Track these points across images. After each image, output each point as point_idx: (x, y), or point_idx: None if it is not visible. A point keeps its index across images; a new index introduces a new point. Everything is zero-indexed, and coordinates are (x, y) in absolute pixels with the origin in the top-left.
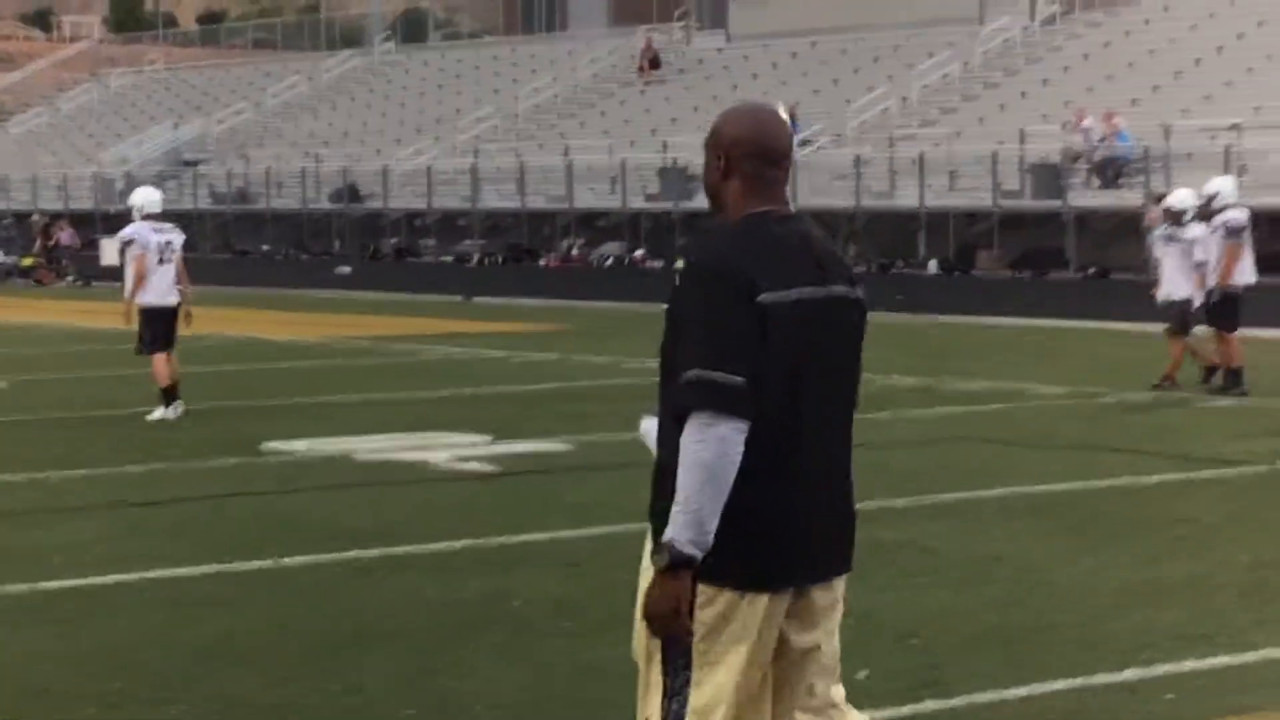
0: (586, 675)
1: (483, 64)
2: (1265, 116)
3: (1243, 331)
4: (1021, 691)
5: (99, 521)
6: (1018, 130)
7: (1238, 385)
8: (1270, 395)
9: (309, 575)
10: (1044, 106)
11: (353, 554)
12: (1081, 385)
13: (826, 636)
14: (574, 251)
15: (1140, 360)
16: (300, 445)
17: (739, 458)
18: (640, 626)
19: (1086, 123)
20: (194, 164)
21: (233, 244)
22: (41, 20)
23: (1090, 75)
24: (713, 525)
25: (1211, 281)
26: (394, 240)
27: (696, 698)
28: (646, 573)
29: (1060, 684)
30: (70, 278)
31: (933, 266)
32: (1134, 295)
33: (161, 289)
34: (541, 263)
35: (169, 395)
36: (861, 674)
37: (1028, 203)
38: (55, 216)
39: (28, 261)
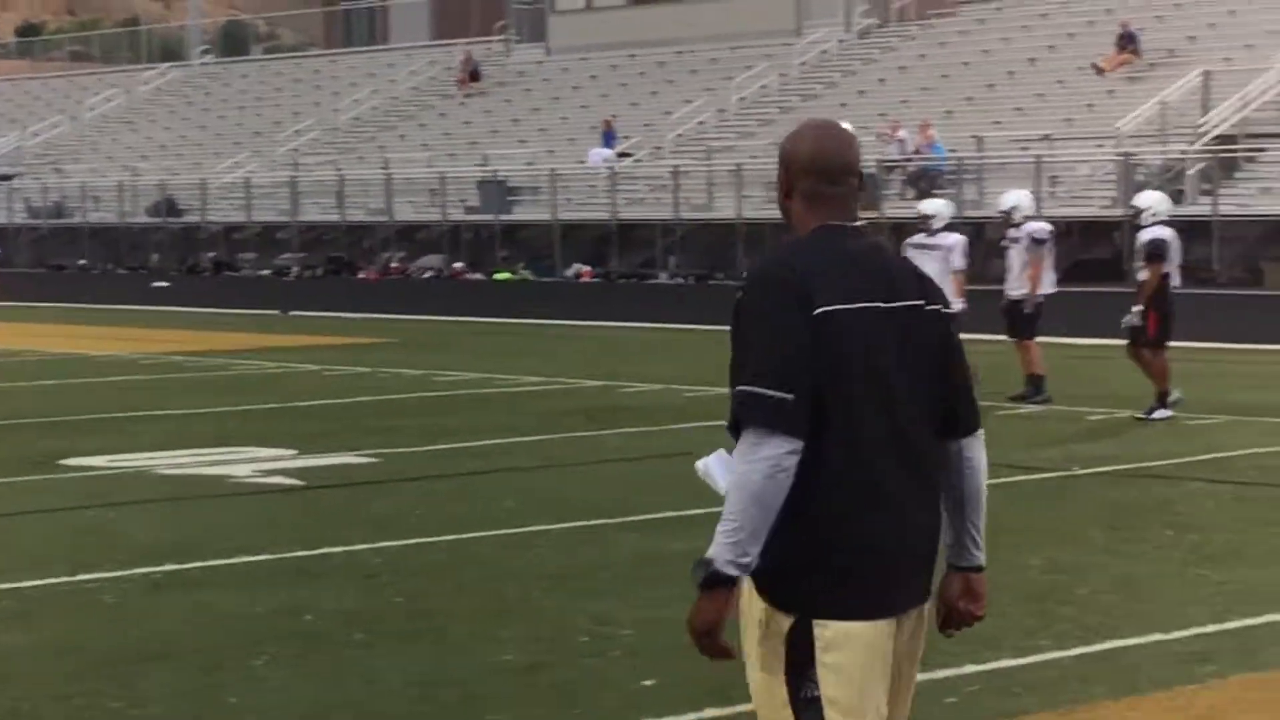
0: (376, 687)
1: (303, 77)
2: (1076, 128)
3: (1045, 339)
4: None
5: None
6: None
7: (1039, 393)
8: (1071, 402)
9: (103, 591)
10: (860, 118)
11: (148, 569)
12: None
13: (910, 664)
14: (393, 264)
15: None
16: (101, 461)
17: (789, 478)
18: (758, 688)
19: (901, 134)
20: (8, 178)
21: (48, 259)
22: None
23: (905, 87)
24: (755, 546)
25: (1020, 291)
26: (212, 254)
27: None
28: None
29: None
30: None
31: None
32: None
33: None
34: (361, 276)
35: None
36: (646, 682)
37: None
38: None
39: None
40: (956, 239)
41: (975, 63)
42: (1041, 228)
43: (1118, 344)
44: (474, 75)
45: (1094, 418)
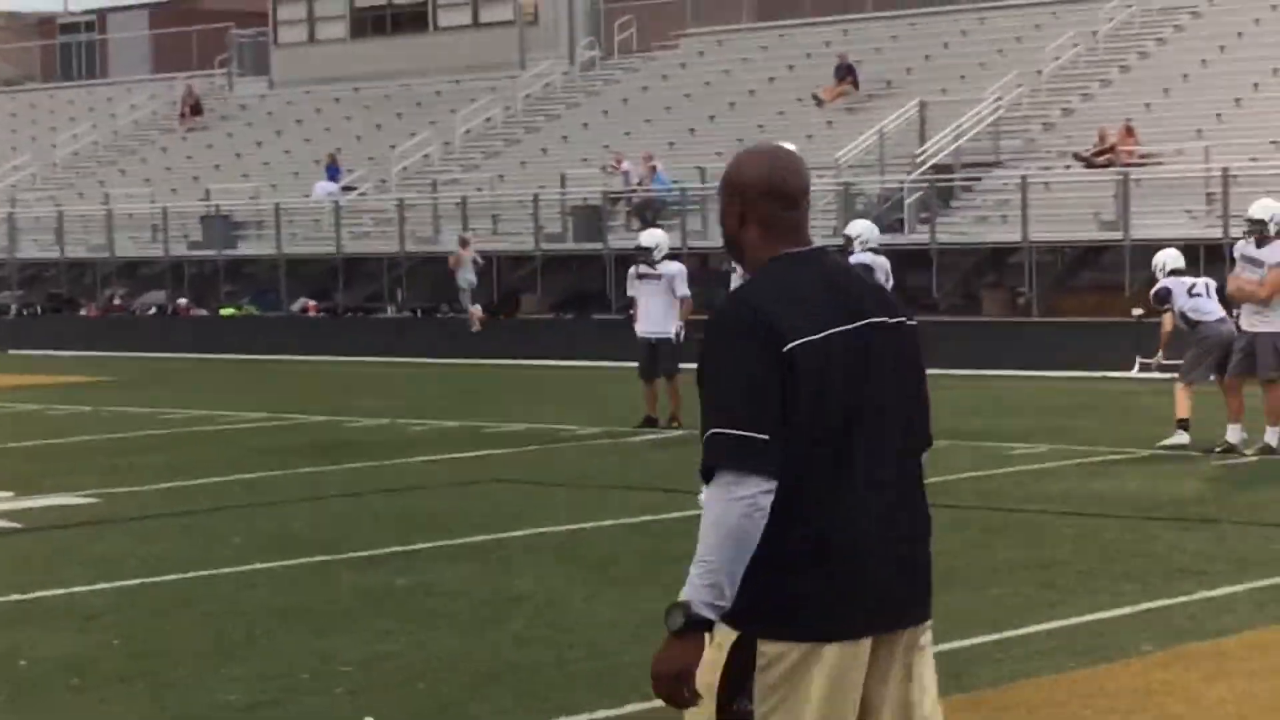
0: None
1: (19, 111)
2: None
3: None
4: None
5: None
6: (559, 174)
7: None
8: None
9: None
10: (584, 150)
11: None
12: (616, 425)
13: (920, 692)
14: (116, 301)
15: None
16: None
17: (764, 517)
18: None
19: (625, 166)
20: None
21: None
22: None
23: (628, 119)
24: (732, 588)
25: None
26: None
27: None
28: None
29: (565, 719)
30: None
31: (478, 310)
32: None
33: None
34: (82, 313)
35: None
36: (368, 719)
37: (570, 246)
38: None
39: None
40: (677, 268)
41: (697, 94)
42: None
43: None
44: (195, 109)
45: None
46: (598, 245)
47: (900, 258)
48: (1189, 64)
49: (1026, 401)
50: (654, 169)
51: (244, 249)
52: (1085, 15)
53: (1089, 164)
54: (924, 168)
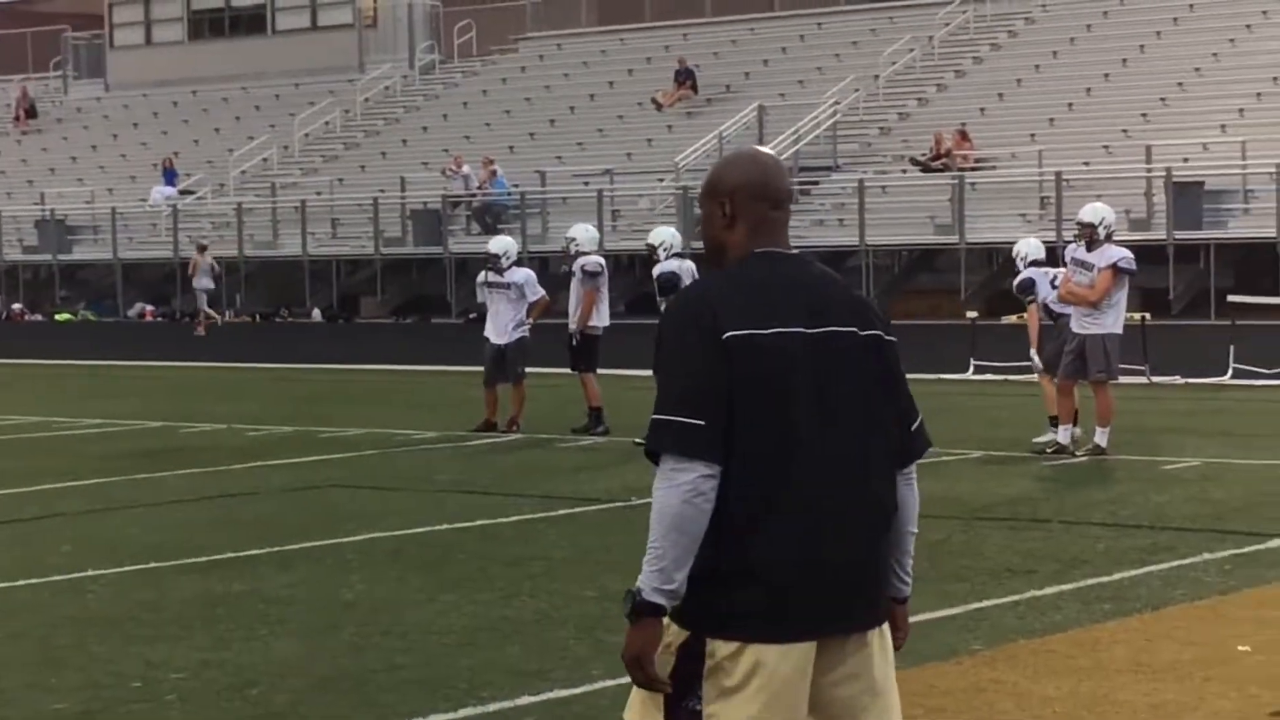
0: None
1: None
2: (636, 162)
3: (606, 371)
4: None
5: None
6: (399, 177)
7: (599, 424)
8: (630, 434)
9: None
10: (424, 154)
11: None
12: (455, 429)
13: (871, 696)
14: None
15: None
16: None
17: (708, 502)
18: (637, 692)
19: (465, 169)
20: None
21: None
22: None
23: (468, 122)
24: (681, 573)
25: (572, 325)
26: None
27: None
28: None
29: None
30: None
31: (317, 314)
32: None
33: None
34: None
35: None
36: None
37: (410, 250)
38: None
39: None
40: (525, 274)
41: (537, 98)
42: (593, 260)
43: None
44: (30, 112)
45: None
46: (437, 249)
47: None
48: (1023, 69)
49: None
50: (494, 173)
51: (80, 254)
52: (921, 21)
53: (925, 168)
54: None
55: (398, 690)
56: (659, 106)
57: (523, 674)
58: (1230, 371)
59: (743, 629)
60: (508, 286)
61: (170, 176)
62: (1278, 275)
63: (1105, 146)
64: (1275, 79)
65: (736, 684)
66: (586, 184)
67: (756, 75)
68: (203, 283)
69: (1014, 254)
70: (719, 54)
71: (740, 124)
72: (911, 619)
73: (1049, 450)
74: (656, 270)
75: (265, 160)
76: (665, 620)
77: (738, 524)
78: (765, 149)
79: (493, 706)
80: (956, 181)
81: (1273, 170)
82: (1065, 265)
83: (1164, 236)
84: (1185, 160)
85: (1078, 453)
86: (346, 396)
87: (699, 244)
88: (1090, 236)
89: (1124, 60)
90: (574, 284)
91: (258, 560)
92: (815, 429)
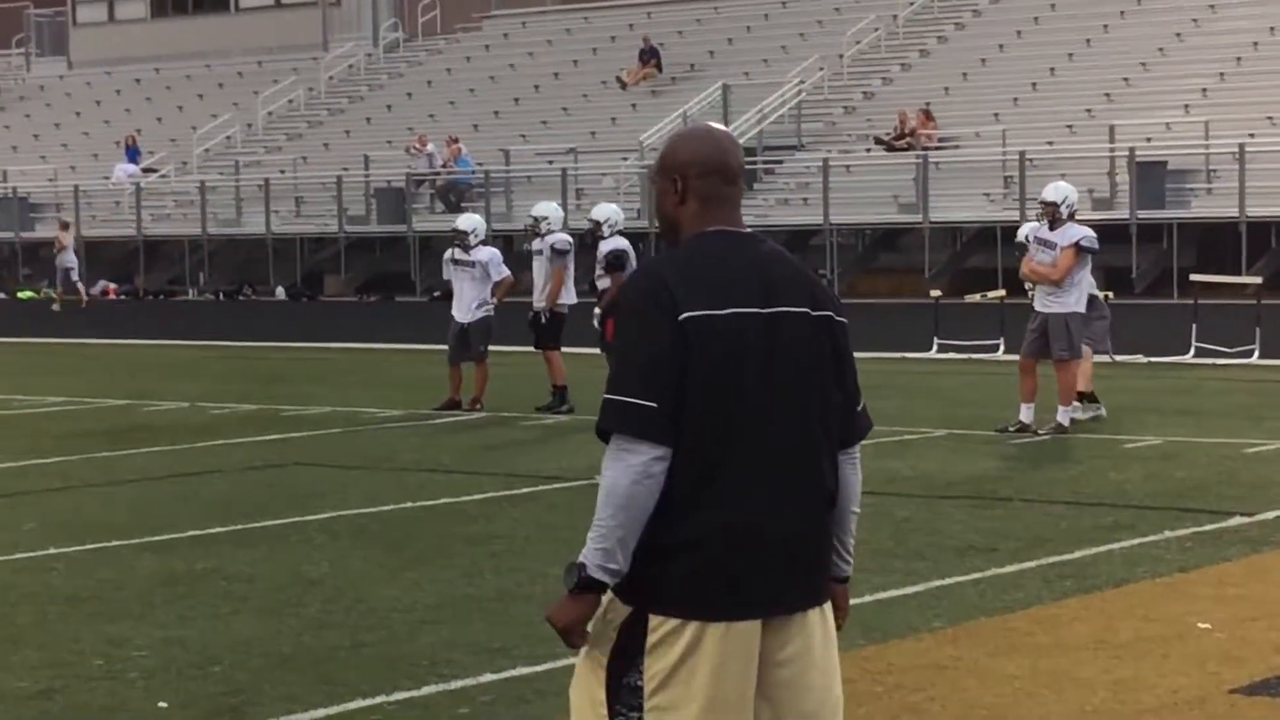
0: None
1: None
2: (600, 141)
3: (570, 349)
4: (326, 712)
5: None
6: (363, 156)
7: (564, 403)
8: (593, 411)
9: None
10: (388, 132)
11: None
12: (419, 407)
13: (817, 674)
14: None
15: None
16: None
17: (657, 484)
18: (581, 667)
19: (429, 148)
20: None
21: None
22: None
23: (432, 101)
24: (625, 552)
25: (540, 303)
26: None
27: None
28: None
29: (362, 703)
30: None
31: (281, 293)
32: None
33: None
34: None
35: None
36: (161, 704)
37: (373, 228)
38: None
39: None
40: (490, 253)
41: (501, 77)
42: (562, 239)
43: None
44: None
45: None
46: (401, 227)
47: None
48: (986, 49)
49: None
50: (458, 151)
51: (42, 231)
52: (885, 0)
53: (889, 147)
54: None
55: (361, 668)
56: (623, 85)
57: (486, 651)
58: (1193, 350)
59: (684, 606)
60: (473, 265)
61: (133, 154)
62: (1240, 255)
63: (1069, 126)
64: (1238, 59)
65: (677, 660)
66: (550, 163)
67: (721, 54)
68: (66, 260)
69: (1020, 238)
70: (683, 32)
71: (705, 103)
72: (874, 596)
73: (1011, 429)
74: (604, 247)
75: (229, 138)
76: (609, 596)
77: (683, 501)
78: (718, 125)
79: (455, 684)
80: (920, 161)
81: (1235, 150)
82: (1027, 244)
83: (1127, 216)
84: (1148, 140)
85: (1040, 431)
86: (310, 375)
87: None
88: (1053, 215)
89: (1088, 40)
90: (540, 262)
91: (220, 538)
92: (764, 409)
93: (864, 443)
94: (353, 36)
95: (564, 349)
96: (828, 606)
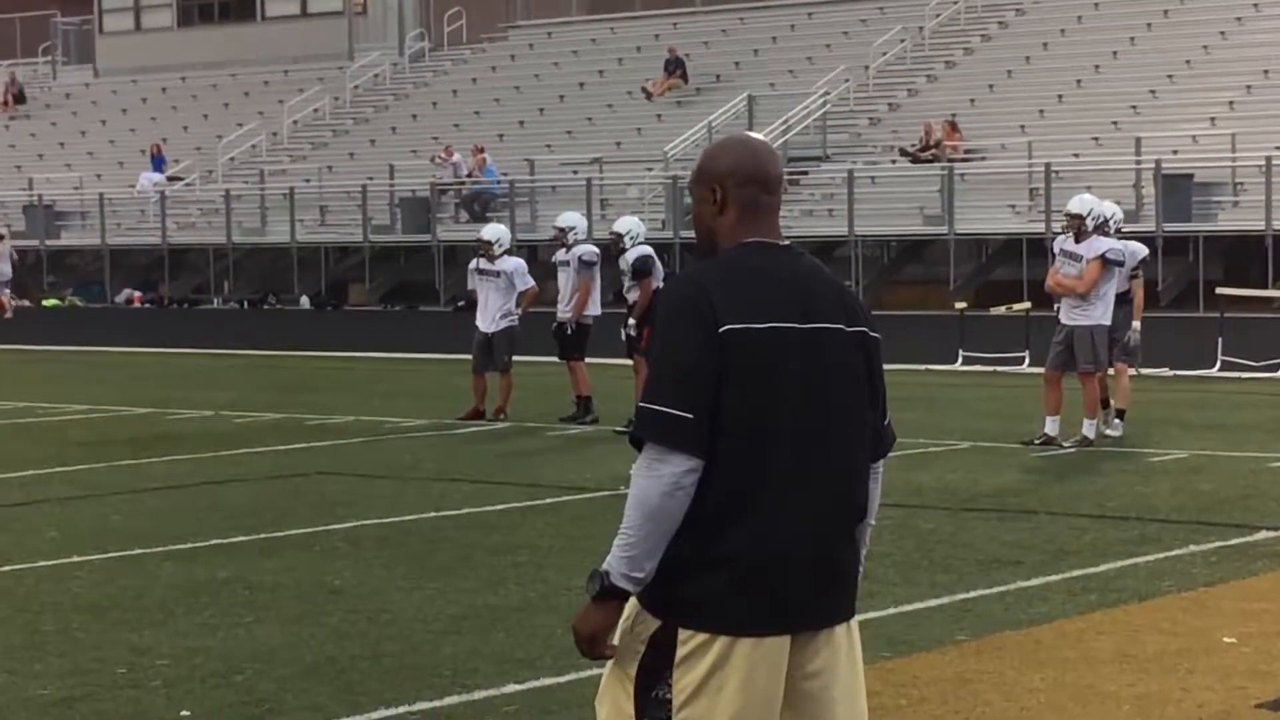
0: None
1: None
2: (625, 151)
3: (594, 360)
4: None
5: None
6: (388, 165)
7: (588, 413)
8: (616, 422)
9: None
10: (413, 141)
11: None
12: (443, 417)
13: (841, 689)
14: None
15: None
16: None
17: (688, 496)
18: (609, 680)
19: (455, 157)
20: None
21: None
22: None
23: (458, 110)
24: (650, 562)
25: (567, 313)
26: None
27: None
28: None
29: (385, 713)
30: None
31: (305, 302)
32: None
33: None
34: None
35: None
36: (184, 713)
37: (398, 237)
38: None
39: None
40: (515, 264)
41: (526, 86)
42: (590, 250)
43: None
44: (19, 97)
45: None
46: (426, 237)
47: None
48: (1013, 60)
49: None
50: (484, 161)
51: (67, 239)
52: (911, 11)
53: (914, 159)
54: None
55: (383, 678)
56: (649, 96)
57: (508, 662)
58: (1219, 363)
59: (713, 620)
60: (497, 275)
61: (158, 163)
62: (1266, 267)
63: (1095, 138)
64: (1265, 72)
65: (705, 673)
66: (575, 173)
67: (747, 65)
68: (2, 269)
69: (1083, 213)
70: (709, 43)
71: (730, 113)
72: (898, 609)
73: (1036, 441)
74: (631, 255)
75: (254, 147)
76: (637, 609)
77: (715, 514)
78: (755, 134)
79: (478, 694)
80: (946, 172)
81: (1262, 163)
82: (1054, 256)
83: (1153, 228)
84: (1175, 152)
85: (1065, 444)
86: (334, 384)
87: (688, 233)
88: (1078, 228)
89: (1114, 53)
90: (568, 273)
91: (243, 547)
92: (799, 424)
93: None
94: (379, 46)
95: (588, 359)
96: (854, 621)
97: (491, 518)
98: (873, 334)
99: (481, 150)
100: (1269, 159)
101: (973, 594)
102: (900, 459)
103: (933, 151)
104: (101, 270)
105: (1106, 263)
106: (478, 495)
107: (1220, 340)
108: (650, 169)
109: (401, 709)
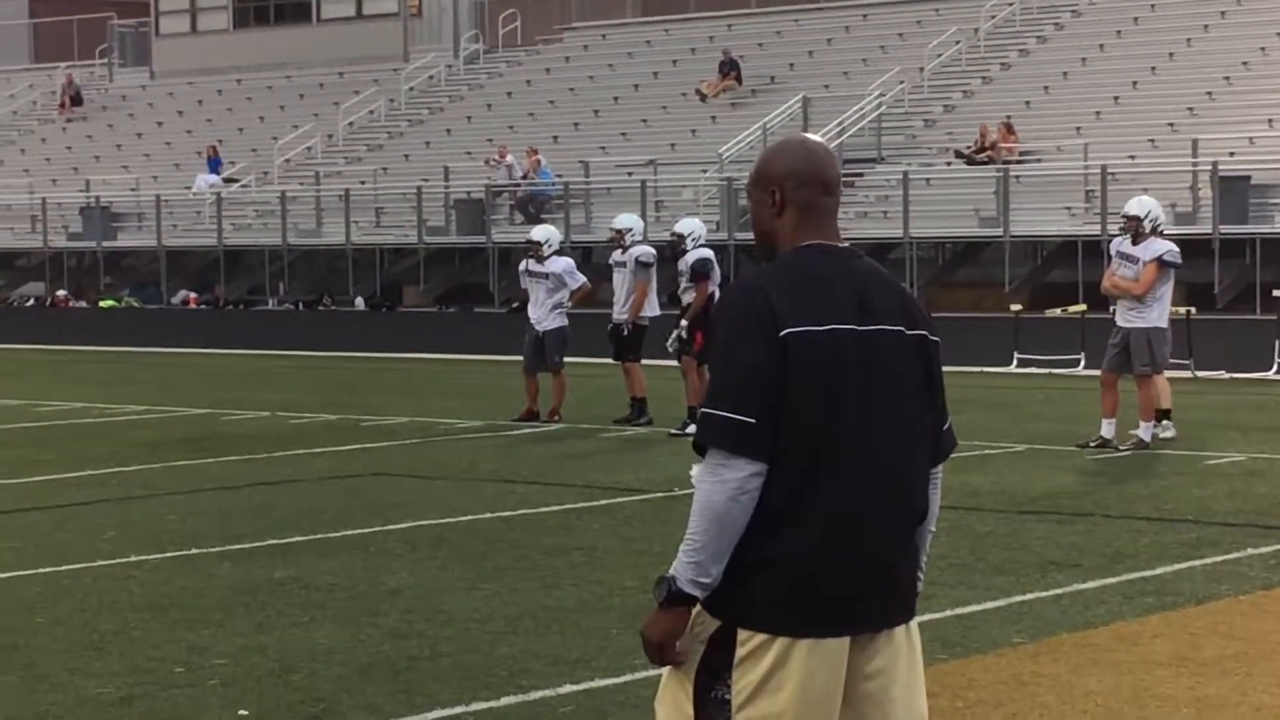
0: None
1: None
2: (680, 153)
3: (649, 362)
4: None
5: None
6: (442, 167)
7: (643, 415)
8: (671, 424)
9: None
10: (468, 143)
11: None
12: (497, 418)
13: (903, 690)
14: None
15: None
16: None
17: (752, 500)
18: (668, 680)
19: (509, 159)
20: None
21: None
22: None
23: (512, 112)
24: (717, 567)
25: (622, 315)
26: None
27: None
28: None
29: (441, 713)
30: None
31: (360, 303)
32: None
33: None
34: None
35: None
36: (241, 712)
37: (453, 239)
38: None
39: None
40: (563, 264)
41: (581, 89)
42: (647, 251)
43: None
44: (76, 99)
45: None
46: (480, 238)
47: None
48: (1069, 62)
49: None
50: (538, 162)
51: (124, 240)
52: (967, 13)
53: (970, 161)
54: None
55: (439, 678)
56: (703, 97)
57: (565, 662)
58: (1275, 366)
59: (774, 621)
60: (546, 276)
61: (214, 164)
62: None
63: (1151, 140)
64: None
65: (765, 674)
66: (630, 174)
67: (801, 66)
68: None
69: (1141, 215)
70: (764, 45)
71: (784, 115)
72: (954, 611)
73: (1092, 444)
74: (691, 256)
75: (309, 149)
76: (698, 609)
77: (776, 517)
78: (813, 136)
79: (534, 695)
80: (1001, 174)
81: None
82: (1110, 258)
83: (1209, 231)
84: (1231, 154)
85: (1121, 447)
86: (389, 385)
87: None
88: (1136, 230)
89: (1170, 54)
90: (622, 274)
91: (300, 547)
92: (859, 427)
93: None
94: (433, 48)
95: (644, 361)
96: (914, 623)
97: (547, 519)
98: (932, 337)
99: (535, 152)
100: None
101: (1029, 596)
102: (955, 461)
103: (988, 153)
104: (158, 271)
105: (1163, 265)
106: (533, 496)
107: (1277, 343)
108: (705, 171)
109: (458, 709)
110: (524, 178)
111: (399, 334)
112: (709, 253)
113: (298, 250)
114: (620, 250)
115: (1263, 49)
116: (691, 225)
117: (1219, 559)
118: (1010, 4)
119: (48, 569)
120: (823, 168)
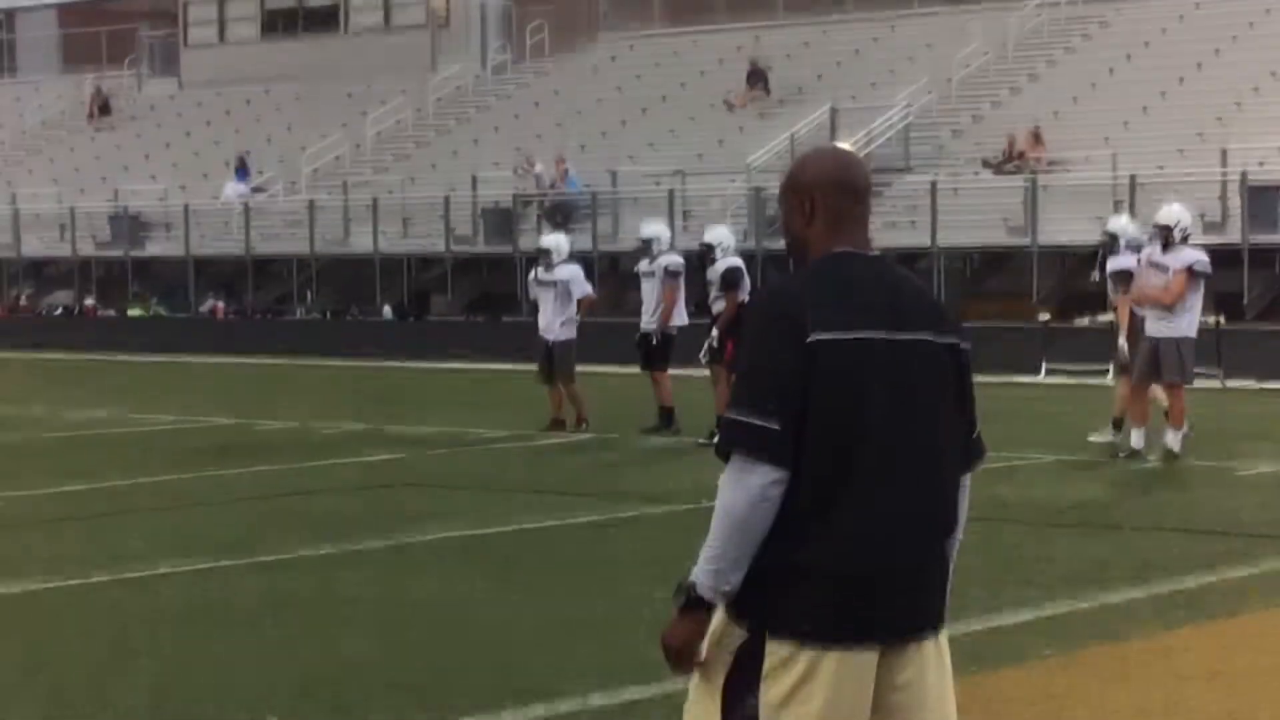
0: None
1: None
2: (707, 163)
3: (677, 371)
4: None
5: None
6: (470, 176)
7: (670, 424)
8: (700, 433)
9: None
10: (495, 153)
11: None
12: (524, 428)
13: (935, 699)
14: (22, 301)
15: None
16: None
17: (773, 507)
18: (697, 692)
19: (538, 168)
20: None
21: None
22: None
23: (540, 122)
24: (736, 574)
25: (651, 324)
26: None
27: None
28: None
29: None
30: None
31: (388, 312)
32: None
33: None
34: None
35: None
36: None
37: (480, 248)
38: None
39: None
40: (571, 271)
41: (609, 98)
42: (676, 260)
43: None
44: (104, 108)
45: None
46: (508, 248)
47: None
48: (1097, 72)
49: None
50: (566, 172)
51: (152, 249)
52: (995, 22)
53: (998, 170)
54: None
55: (468, 689)
56: (731, 107)
57: (593, 673)
58: None
59: (802, 631)
60: (554, 284)
61: (242, 173)
62: None
63: (1180, 149)
64: None
65: (794, 685)
66: (658, 184)
67: (829, 76)
68: None
69: (1170, 224)
70: (792, 55)
71: (812, 125)
72: (983, 624)
73: (1122, 455)
74: (721, 265)
75: (337, 158)
76: (725, 620)
77: (804, 526)
78: (844, 145)
79: (563, 706)
80: (1029, 184)
81: None
82: (1140, 268)
83: (1239, 240)
84: (1261, 164)
85: (1150, 457)
86: (416, 394)
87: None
88: (1166, 239)
89: (1199, 64)
90: (651, 283)
91: (328, 559)
92: (888, 435)
93: None
94: (461, 57)
95: (672, 370)
96: (944, 634)
97: (574, 529)
98: (963, 345)
99: (563, 161)
100: None
101: (1059, 608)
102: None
103: (1016, 163)
104: (186, 280)
105: (1193, 274)
106: (561, 506)
107: None
108: (732, 180)
109: (486, 719)
110: (552, 187)
111: (426, 343)
112: (739, 261)
113: (325, 259)
114: (648, 259)
115: None
116: (720, 234)
117: (1250, 571)
118: (1039, 14)
119: (76, 580)
120: (854, 176)
